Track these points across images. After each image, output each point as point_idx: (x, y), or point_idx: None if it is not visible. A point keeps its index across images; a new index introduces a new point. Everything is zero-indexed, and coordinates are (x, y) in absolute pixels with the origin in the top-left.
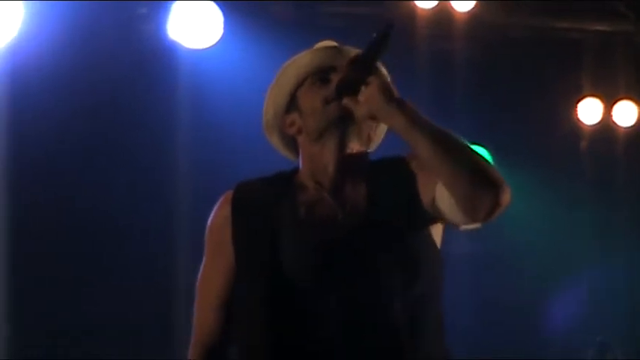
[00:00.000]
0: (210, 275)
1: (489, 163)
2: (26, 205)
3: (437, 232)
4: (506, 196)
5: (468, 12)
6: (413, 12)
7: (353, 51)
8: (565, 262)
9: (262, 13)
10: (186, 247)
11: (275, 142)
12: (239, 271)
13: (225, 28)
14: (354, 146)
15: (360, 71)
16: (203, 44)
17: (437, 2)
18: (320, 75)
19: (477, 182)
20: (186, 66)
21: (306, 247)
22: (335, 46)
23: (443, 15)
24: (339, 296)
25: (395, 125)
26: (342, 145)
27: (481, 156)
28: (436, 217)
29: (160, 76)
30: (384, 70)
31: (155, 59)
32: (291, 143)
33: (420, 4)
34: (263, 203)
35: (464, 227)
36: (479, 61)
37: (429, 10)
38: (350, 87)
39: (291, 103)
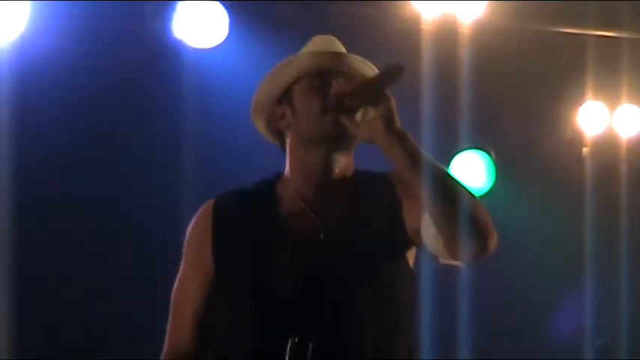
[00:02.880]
0: (188, 287)
1: (482, 207)
2: (28, 204)
3: (411, 252)
4: (493, 243)
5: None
6: (417, 14)
7: (353, 58)
8: (566, 267)
9: (267, 13)
10: None
11: (260, 127)
12: (219, 284)
13: (230, 28)
14: (340, 159)
15: (363, 96)
16: (208, 44)
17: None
18: (319, 77)
19: (468, 228)
20: (190, 65)
21: (286, 263)
22: (336, 52)
23: (447, 18)
24: (315, 314)
25: (393, 157)
26: (329, 156)
27: (475, 199)
28: (417, 245)
29: (165, 74)
30: (391, 99)
31: (160, 57)
32: (276, 132)
33: (424, 12)
34: (244, 216)
35: (443, 261)
36: (482, 66)
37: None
38: (349, 107)
39: (285, 95)
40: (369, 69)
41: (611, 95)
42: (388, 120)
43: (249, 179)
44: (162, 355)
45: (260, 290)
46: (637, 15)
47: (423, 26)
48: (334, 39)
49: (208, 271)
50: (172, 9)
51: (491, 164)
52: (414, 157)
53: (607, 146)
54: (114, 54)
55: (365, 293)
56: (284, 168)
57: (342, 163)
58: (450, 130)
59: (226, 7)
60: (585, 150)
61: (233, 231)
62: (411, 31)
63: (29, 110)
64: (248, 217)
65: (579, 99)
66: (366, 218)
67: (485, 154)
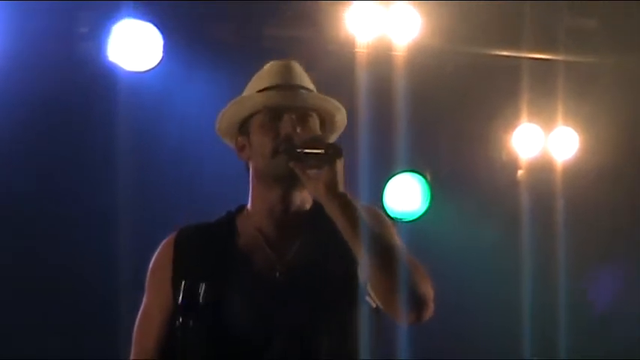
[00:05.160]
0: (149, 314)
1: (423, 279)
2: None
3: None
4: (428, 315)
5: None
6: (351, 36)
7: (310, 96)
8: (501, 287)
9: (203, 36)
10: (127, 266)
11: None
12: (177, 314)
13: (165, 51)
14: (299, 195)
15: (310, 154)
16: (143, 67)
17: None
18: (272, 112)
19: (402, 299)
20: (125, 87)
21: (241, 298)
22: (292, 89)
23: (382, 41)
24: (269, 349)
25: (334, 219)
26: (287, 194)
27: (417, 271)
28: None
29: (99, 97)
30: (336, 164)
31: (94, 80)
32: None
33: (358, 34)
34: (204, 249)
35: None
36: (417, 88)
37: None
38: (295, 159)
39: (244, 126)
40: (329, 104)
41: (546, 118)
42: (330, 185)
43: (183, 199)
44: None
45: (215, 323)
46: (572, 38)
47: (358, 49)
48: (292, 66)
49: (168, 301)
50: (107, 32)
51: (427, 187)
52: (353, 224)
53: (542, 169)
54: (47, 76)
55: (319, 330)
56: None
57: (301, 199)
58: (385, 153)
59: (161, 30)
60: (520, 172)
61: (192, 264)
62: (345, 53)
63: None
64: (207, 250)
65: (514, 121)
66: (322, 254)
67: (420, 176)
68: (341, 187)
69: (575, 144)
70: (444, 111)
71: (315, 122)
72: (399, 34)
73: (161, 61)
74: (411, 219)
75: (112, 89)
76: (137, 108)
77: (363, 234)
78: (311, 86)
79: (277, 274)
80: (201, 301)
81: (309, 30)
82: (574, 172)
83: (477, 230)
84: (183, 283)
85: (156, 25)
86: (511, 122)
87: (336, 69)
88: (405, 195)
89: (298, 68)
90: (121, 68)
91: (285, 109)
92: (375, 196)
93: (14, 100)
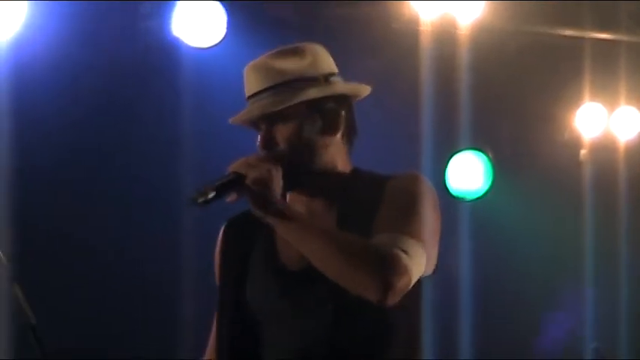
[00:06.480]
0: (217, 309)
1: (365, 251)
2: (27, 205)
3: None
4: (392, 291)
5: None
6: (416, 15)
7: (270, 98)
8: (563, 268)
9: (265, 13)
10: (189, 250)
11: None
12: (218, 301)
13: (228, 27)
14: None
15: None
16: (206, 43)
17: (440, 12)
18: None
19: (354, 280)
20: (188, 63)
21: (268, 278)
22: (251, 105)
23: (446, 19)
24: (292, 328)
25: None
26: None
27: (356, 242)
28: None
29: (163, 72)
30: (246, 191)
31: (158, 56)
32: None
33: (422, 12)
34: (245, 236)
35: None
36: (480, 67)
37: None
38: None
39: None
40: (276, 103)
41: (609, 97)
42: (257, 208)
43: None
44: None
45: (244, 307)
46: (634, 17)
47: (422, 27)
48: (257, 68)
49: None
50: (171, 8)
51: (489, 165)
52: (293, 234)
53: (605, 148)
54: (111, 52)
55: (340, 303)
56: None
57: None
58: (448, 131)
59: (225, 7)
60: (583, 152)
61: (233, 251)
62: (409, 32)
63: (26, 109)
64: (248, 235)
65: (577, 101)
66: (351, 226)
67: (483, 154)
68: (268, 208)
69: (638, 123)
70: (506, 90)
71: (287, 124)
72: (462, 12)
73: (224, 37)
74: (473, 197)
75: (175, 64)
76: (200, 83)
77: (306, 237)
78: (287, 73)
79: (299, 264)
80: (233, 287)
81: (373, 8)
82: (637, 151)
83: (539, 210)
84: (226, 273)
85: (220, 1)
86: (574, 102)
87: (400, 47)
88: (468, 173)
89: (262, 67)
90: (184, 44)
91: (254, 123)
92: (437, 174)
93: (80, 78)
